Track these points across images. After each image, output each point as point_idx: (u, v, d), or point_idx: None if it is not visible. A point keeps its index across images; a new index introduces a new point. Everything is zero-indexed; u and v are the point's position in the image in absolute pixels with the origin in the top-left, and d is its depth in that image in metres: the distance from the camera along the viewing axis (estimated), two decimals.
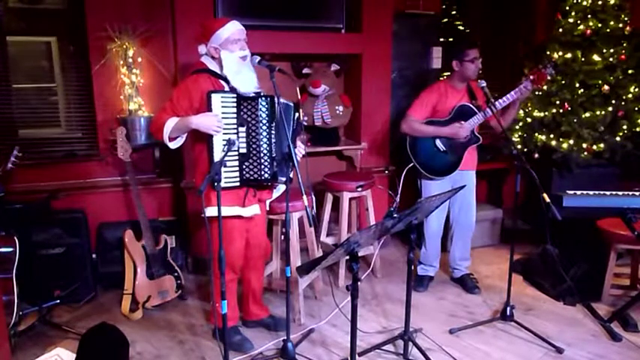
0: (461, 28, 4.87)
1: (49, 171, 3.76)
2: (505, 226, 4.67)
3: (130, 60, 3.68)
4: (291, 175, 2.70)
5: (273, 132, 2.63)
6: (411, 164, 3.51)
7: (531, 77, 3.26)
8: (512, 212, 3.52)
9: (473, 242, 3.84)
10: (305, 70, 4.18)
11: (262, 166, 2.63)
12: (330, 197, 3.86)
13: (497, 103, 3.26)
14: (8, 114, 3.72)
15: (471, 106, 3.40)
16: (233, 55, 2.64)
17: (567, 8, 4.20)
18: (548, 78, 3.33)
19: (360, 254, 2.33)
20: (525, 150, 4.28)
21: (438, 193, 2.71)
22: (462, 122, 3.38)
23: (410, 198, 3.43)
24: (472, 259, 3.88)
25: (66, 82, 3.88)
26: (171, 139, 2.69)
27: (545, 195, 2.77)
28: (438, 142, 3.47)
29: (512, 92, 3.29)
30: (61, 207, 3.66)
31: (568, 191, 3.67)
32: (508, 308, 3.17)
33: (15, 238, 2.95)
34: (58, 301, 3.27)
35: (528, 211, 4.51)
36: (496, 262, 4.27)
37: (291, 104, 2.71)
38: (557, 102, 4.14)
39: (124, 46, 3.65)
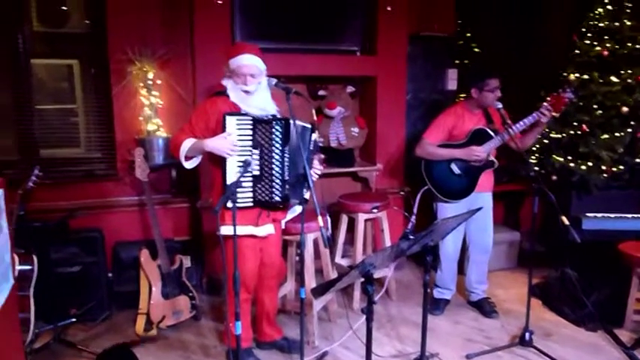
0: (476, 50, 4.88)
1: (68, 190, 3.81)
2: (523, 249, 4.60)
3: (150, 82, 3.76)
4: (306, 197, 2.71)
5: (286, 155, 2.65)
6: (426, 187, 3.49)
7: (550, 101, 3.23)
8: (530, 235, 3.48)
9: (490, 265, 3.79)
10: (321, 92, 4.22)
11: (273, 189, 2.65)
12: (345, 218, 3.85)
13: (514, 127, 3.24)
14: (30, 134, 3.81)
15: (488, 129, 3.38)
16: (237, 87, 2.71)
17: (584, 29, 4.19)
18: (567, 102, 3.28)
19: (375, 276, 2.30)
20: (543, 172, 4.24)
21: (454, 215, 2.69)
22: (478, 146, 3.36)
23: (425, 220, 3.41)
24: (489, 283, 3.82)
25: (86, 104, 3.96)
26: (187, 159, 2.73)
27: (563, 217, 2.74)
28: (453, 166, 3.46)
29: (530, 116, 3.26)
30: (79, 226, 3.70)
31: (587, 214, 3.62)
32: (527, 333, 3.11)
33: (34, 256, 2.98)
34: (74, 319, 3.28)
35: (546, 234, 4.45)
36: (514, 285, 4.20)
37: (308, 126, 2.74)
38: (575, 123, 4.11)
39: (144, 69, 3.73)
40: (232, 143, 2.57)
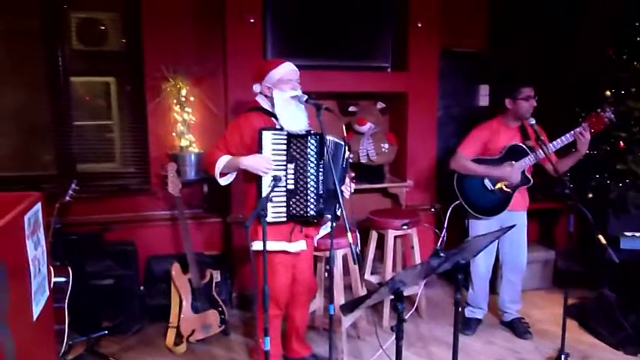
0: (508, 65, 4.83)
1: (103, 204, 3.91)
2: (558, 269, 4.49)
3: (183, 99, 3.85)
4: (337, 213, 2.71)
5: (321, 169, 2.66)
6: (458, 202, 3.46)
7: (588, 121, 3.16)
8: (566, 254, 3.40)
9: (524, 285, 3.71)
10: (351, 108, 4.23)
11: (309, 203, 2.66)
12: (374, 235, 3.84)
13: (550, 145, 3.19)
14: (68, 149, 3.93)
15: (523, 146, 3.33)
16: (284, 94, 2.72)
17: (619, 44, 4.11)
18: (607, 122, 3.21)
19: (405, 294, 2.28)
20: (578, 189, 4.14)
21: (486, 233, 2.65)
22: (513, 162, 3.32)
23: (457, 237, 3.37)
24: (523, 303, 3.74)
25: (122, 120, 4.08)
26: (221, 175, 2.77)
27: (600, 236, 2.67)
28: (487, 181, 3.42)
29: (567, 135, 3.20)
30: (113, 239, 3.79)
31: (625, 232, 3.52)
32: (562, 356, 3.02)
33: (69, 268, 3.06)
34: (107, 331, 3.34)
35: (582, 253, 4.33)
36: (549, 306, 4.09)
37: (342, 143, 2.75)
38: (612, 140, 4.02)
39: (178, 86, 3.81)
40: (268, 161, 2.61)
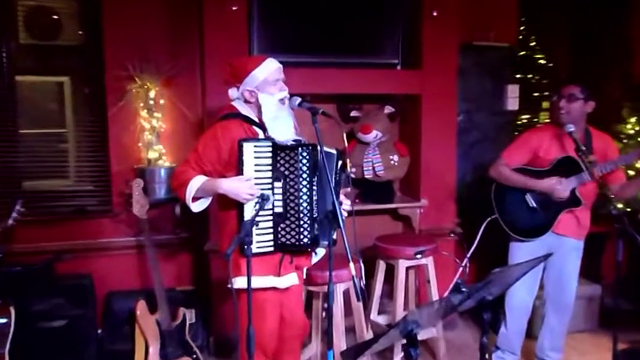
0: (542, 62, 4.88)
1: (54, 229, 3.90)
2: (605, 306, 4.48)
3: (152, 102, 3.86)
4: (334, 237, 2.70)
5: (314, 188, 2.65)
6: (493, 216, 3.46)
7: None
8: (614, 288, 3.39)
9: None
10: (353, 113, 4.25)
11: (301, 229, 2.64)
12: (382, 265, 3.83)
13: (602, 165, 3.20)
14: (12, 163, 3.92)
15: (579, 159, 3.32)
16: (272, 97, 2.71)
17: None
18: None
19: (419, 337, 2.26)
20: (628, 210, 4.15)
21: (527, 260, 2.64)
22: (562, 178, 3.32)
23: (492, 262, 3.34)
24: (564, 348, 3.72)
25: (78, 128, 4.08)
26: (194, 199, 2.73)
27: None
28: (529, 197, 3.43)
29: (631, 154, 3.22)
30: (66, 271, 3.77)
31: None
32: None
33: (11, 307, 3.03)
34: None
35: (634, 287, 4.33)
36: (593, 351, 4.09)
37: (333, 151, 2.74)
38: None
39: (145, 86, 3.83)
40: (251, 186, 2.59)
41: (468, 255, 3.49)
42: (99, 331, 3.78)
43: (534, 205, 3.43)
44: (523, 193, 3.44)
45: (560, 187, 3.31)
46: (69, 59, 4.01)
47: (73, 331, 3.56)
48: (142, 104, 3.87)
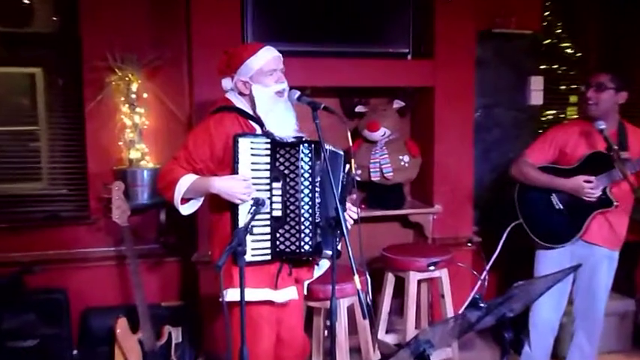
0: (569, 51, 4.89)
1: (23, 237, 3.90)
2: (639, 324, 4.48)
3: (133, 96, 3.86)
4: (339, 248, 2.71)
5: (317, 189, 2.66)
6: (518, 222, 3.46)
7: None
8: None
9: None
10: (358, 109, 4.25)
11: (302, 235, 2.64)
12: (391, 278, 3.83)
13: (635, 160, 3.19)
14: None
15: (610, 155, 3.31)
16: (268, 89, 2.72)
17: None
18: None
19: (432, 358, 2.26)
20: None
21: (554, 272, 2.64)
22: (591, 176, 3.32)
23: (515, 276, 3.34)
24: None
25: (51, 125, 4.09)
26: (183, 200, 2.73)
27: None
28: (554, 197, 3.43)
29: None
30: (37, 285, 3.77)
31: None
32: None
33: None
34: None
35: None
36: None
37: (340, 152, 2.75)
38: None
39: (127, 79, 3.83)
40: (247, 185, 2.60)
41: (488, 266, 3.49)
42: (74, 352, 3.78)
43: (561, 206, 3.42)
44: (549, 194, 3.45)
45: (589, 185, 3.31)
46: (41, 48, 4.02)
47: (45, 352, 3.56)
48: (122, 98, 3.88)
